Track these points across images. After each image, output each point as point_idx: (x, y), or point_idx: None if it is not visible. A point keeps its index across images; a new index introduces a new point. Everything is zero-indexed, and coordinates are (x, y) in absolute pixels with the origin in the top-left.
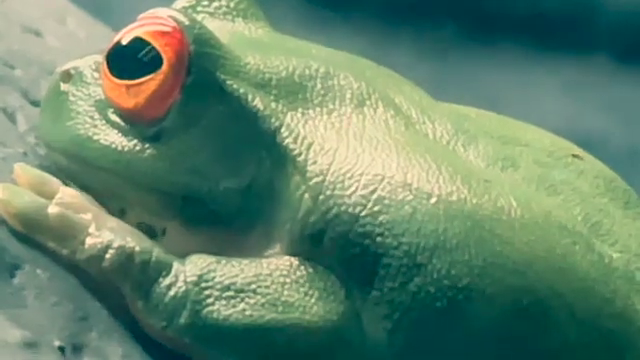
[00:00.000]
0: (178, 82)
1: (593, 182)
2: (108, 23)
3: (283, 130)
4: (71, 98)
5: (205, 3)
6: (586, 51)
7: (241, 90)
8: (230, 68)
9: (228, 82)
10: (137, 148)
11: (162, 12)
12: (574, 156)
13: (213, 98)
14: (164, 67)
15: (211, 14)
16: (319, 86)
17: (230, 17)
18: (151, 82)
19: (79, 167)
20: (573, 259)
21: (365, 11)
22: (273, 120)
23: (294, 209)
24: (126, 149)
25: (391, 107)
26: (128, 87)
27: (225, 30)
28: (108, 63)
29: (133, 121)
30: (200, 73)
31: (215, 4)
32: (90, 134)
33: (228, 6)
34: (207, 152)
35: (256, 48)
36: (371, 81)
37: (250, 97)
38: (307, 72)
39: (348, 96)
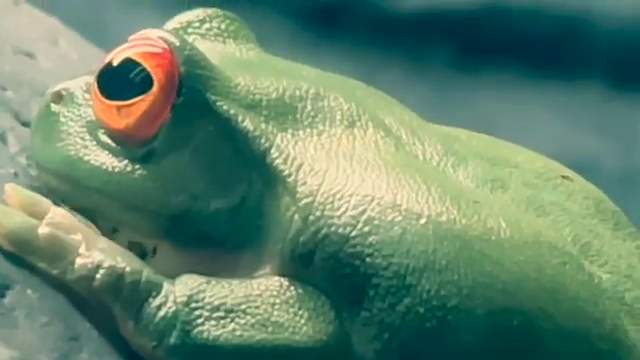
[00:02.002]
0: (168, 103)
1: (582, 203)
2: (100, 45)
3: (273, 151)
4: (62, 119)
5: (196, 25)
6: (578, 75)
7: (231, 111)
8: (220, 89)
9: (218, 103)
10: (127, 169)
11: (153, 33)
12: (563, 177)
13: (203, 119)
14: (154, 88)
15: (202, 35)
16: (309, 107)
17: (221, 39)
18: (141, 103)
19: (70, 188)
20: (563, 280)
21: (357, 34)
22: (263, 141)
23: (284, 229)
24: (116, 170)
25: (381, 128)
26: (119, 108)
27: (216, 51)
28: (98, 84)
29: (124, 142)
30: (190, 94)
31: (206, 26)
32: (81, 155)
33: (219, 28)
34: (197, 172)
35: (246, 69)
36: (361, 102)
37: (240, 118)
38: (297, 93)
39: (338, 117)
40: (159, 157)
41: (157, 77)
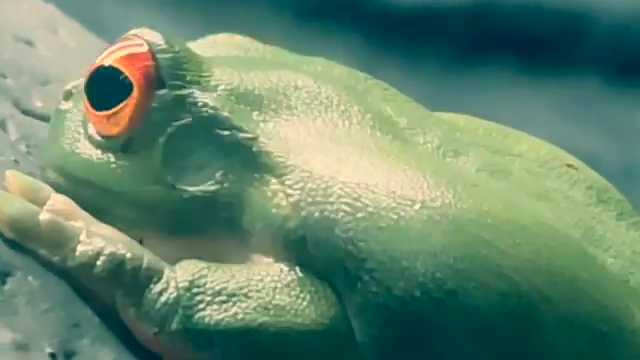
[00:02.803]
0: (150, 100)
1: (587, 191)
2: (100, 35)
3: (260, 139)
4: (67, 115)
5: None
6: (577, 71)
7: (207, 102)
8: (200, 81)
9: (194, 94)
10: (110, 159)
11: (139, 33)
12: (568, 166)
13: (178, 109)
14: (135, 92)
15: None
16: (302, 97)
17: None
18: (126, 108)
19: (64, 180)
20: (561, 262)
21: (354, 31)
22: (246, 129)
23: (272, 216)
24: (100, 160)
25: (378, 116)
26: (108, 117)
27: (227, 48)
28: (88, 95)
29: (106, 135)
30: (171, 89)
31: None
32: (73, 148)
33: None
34: (171, 162)
35: (246, 64)
36: (360, 92)
37: (218, 108)
38: (292, 84)
39: (334, 107)
40: (137, 146)
41: (135, 79)
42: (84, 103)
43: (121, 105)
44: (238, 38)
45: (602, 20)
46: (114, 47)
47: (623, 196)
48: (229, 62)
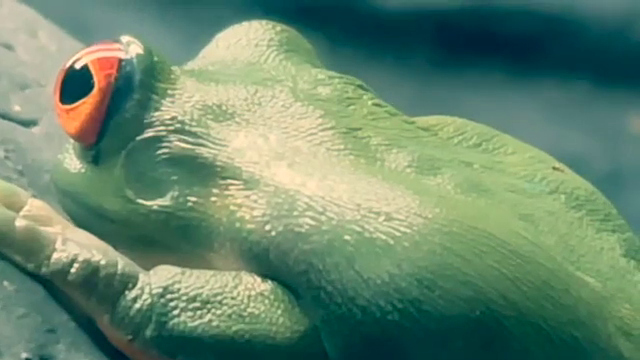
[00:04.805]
0: (108, 105)
1: (572, 193)
2: (84, 38)
3: (225, 153)
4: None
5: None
6: (564, 73)
7: (178, 116)
8: (172, 96)
9: (165, 108)
10: (82, 170)
11: (123, 39)
12: (555, 168)
13: (146, 124)
14: (94, 93)
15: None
16: (277, 111)
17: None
18: (84, 106)
19: (56, 192)
20: (529, 268)
21: (340, 33)
22: (213, 143)
23: (236, 231)
24: (73, 171)
25: (351, 132)
26: (68, 112)
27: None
28: (61, 90)
29: (82, 144)
30: (137, 100)
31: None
32: (59, 159)
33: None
34: (130, 176)
35: (226, 74)
36: (341, 107)
37: (191, 123)
38: (267, 98)
39: (306, 121)
40: (102, 159)
41: (98, 82)
42: (54, 96)
43: (81, 101)
44: (257, 28)
45: (590, 23)
46: (95, 47)
47: (609, 200)
48: (206, 73)
